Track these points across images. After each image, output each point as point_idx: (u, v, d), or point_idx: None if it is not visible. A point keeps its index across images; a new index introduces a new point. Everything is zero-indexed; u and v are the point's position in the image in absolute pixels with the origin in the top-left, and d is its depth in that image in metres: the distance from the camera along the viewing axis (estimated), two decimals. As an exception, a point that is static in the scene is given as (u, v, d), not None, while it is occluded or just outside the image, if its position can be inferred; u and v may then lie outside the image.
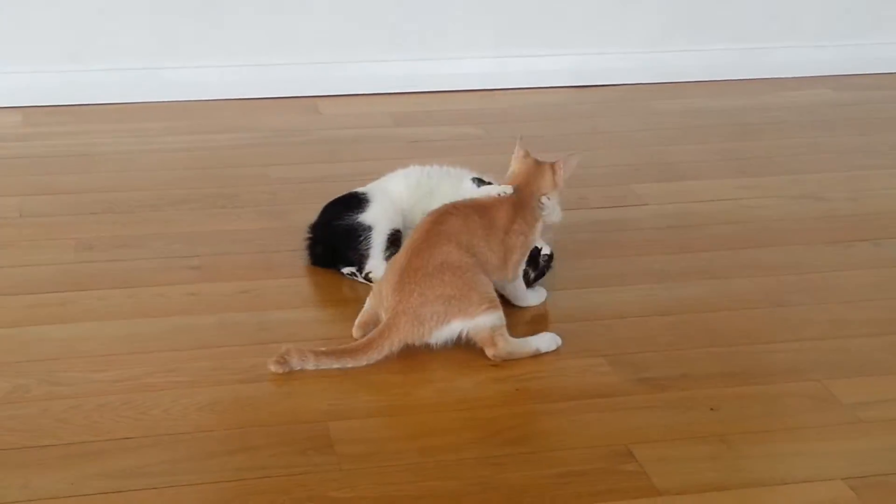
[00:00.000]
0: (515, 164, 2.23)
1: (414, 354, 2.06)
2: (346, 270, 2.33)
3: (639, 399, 1.92)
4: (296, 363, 1.99)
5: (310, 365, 2.00)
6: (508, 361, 2.02)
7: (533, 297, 2.25)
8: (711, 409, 1.89)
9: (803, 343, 2.11)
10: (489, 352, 2.05)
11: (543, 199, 2.18)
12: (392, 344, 2.01)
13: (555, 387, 1.97)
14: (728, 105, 3.55)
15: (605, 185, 2.83)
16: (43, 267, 2.38)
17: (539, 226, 2.20)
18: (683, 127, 3.35)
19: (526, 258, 2.21)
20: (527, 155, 2.22)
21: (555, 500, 1.67)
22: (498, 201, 2.17)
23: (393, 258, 2.14)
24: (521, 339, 2.08)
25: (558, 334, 2.12)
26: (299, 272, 2.38)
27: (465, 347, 2.06)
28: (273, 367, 1.98)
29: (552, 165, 2.19)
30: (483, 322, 2.03)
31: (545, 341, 2.09)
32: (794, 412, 1.90)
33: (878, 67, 3.85)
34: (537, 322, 2.21)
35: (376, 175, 2.52)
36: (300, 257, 2.41)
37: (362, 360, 2.01)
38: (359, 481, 1.70)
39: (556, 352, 2.08)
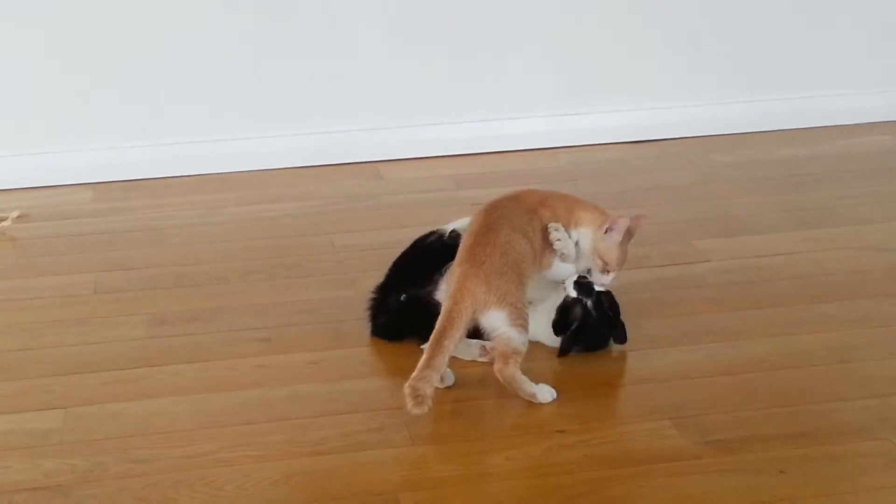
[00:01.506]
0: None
1: (483, 422, 2.08)
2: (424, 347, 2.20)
3: (707, 463, 1.91)
4: (428, 390, 2.01)
5: (435, 380, 2.04)
6: (577, 426, 2.03)
7: (544, 392, 2.14)
8: (781, 471, 1.88)
9: (871, 400, 2.08)
10: (498, 366, 2.10)
11: (550, 225, 2.22)
12: (468, 311, 2.05)
13: (622, 451, 1.97)
14: (786, 155, 3.54)
15: (666, 242, 2.82)
16: (117, 343, 2.42)
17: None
18: (742, 179, 3.34)
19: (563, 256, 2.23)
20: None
21: (626, 570, 1.67)
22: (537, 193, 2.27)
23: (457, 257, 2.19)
24: (526, 379, 2.10)
25: (623, 396, 2.14)
26: (366, 341, 2.40)
27: (532, 414, 2.07)
28: (416, 411, 2.00)
29: (607, 216, 2.25)
30: (513, 334, 2.09)
31: (543, 392, 2.11)
32: (866, 472, 1.88)
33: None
34: (601, 382, 2.21)
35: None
36: (367, 326, 2.43)
37: (454, 336, 2.04)
38: (431, 554, 1.72)
39: (621, 414, 2.10)
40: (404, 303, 2.36)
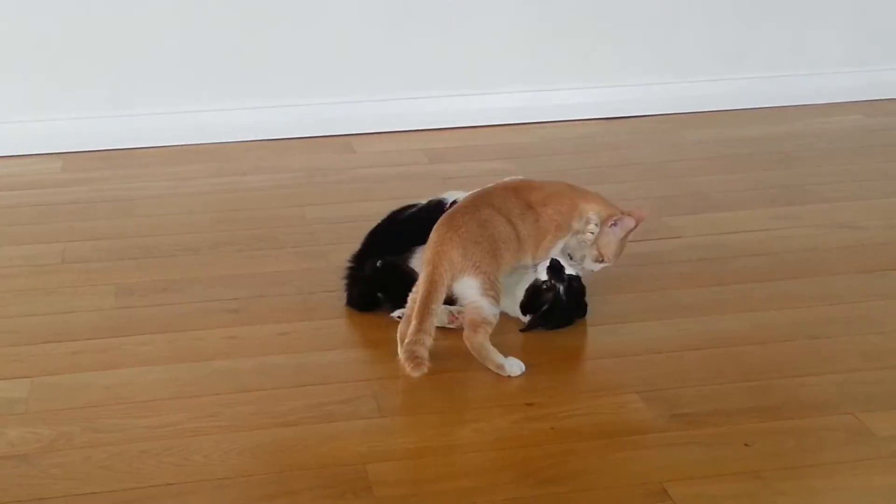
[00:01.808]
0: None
1: (452, 394, 2.09)
2: (396, 314, 2.28)
3: (673, 436, 1.92)
4: (423, 353, 2.05)
5: (429, 343, 2.06)
6: (545, 398, 2.04)
7: (512, 364, 2.14)
8: (746, 444, 1.89)
9: (837, 376, 2.10)
10: (467, 334, 2.12)
11: (592, 216, 2.25)
12: (445, 272, 2.09)
13: (589, 425, 1.97)
14: (759, 133, 3.56)
15: (639, 219, 2.84)
16: (84, 313, 2.41)
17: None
18: (714, 156, 3.35)
19: (557, 247, 2.25)
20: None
21: (591, 541, 1.68)
22: (538, 187, 2.25)
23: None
24: (495, 350, 2.11)
25: (592, 370, 2.15)
26: (337, 313, 2.40)
27: (500, 387, 2.08)
28: (416, 373, 2.04)
29: (614, 210, 2.28)
30: (484, 304, 2.11)
31: (511, 364, 2.11)
32: (829, 447, 1.89)
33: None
34: (571, 356, 2.22)
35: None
36: (338, 298, 2.44)
37: (439, 299, 2.08)
38: (397, 524, 1.72)
39: (589, 387, 2.10)
40: (379, 269, 2.36)
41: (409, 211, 2.49)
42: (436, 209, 2.36)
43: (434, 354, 2.16)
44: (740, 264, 2.59)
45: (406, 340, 2.06)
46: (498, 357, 2.12)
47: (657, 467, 1.84)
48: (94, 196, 3.12)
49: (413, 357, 2.05)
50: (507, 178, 2.35)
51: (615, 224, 2.25)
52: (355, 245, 2.51)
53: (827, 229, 2.78)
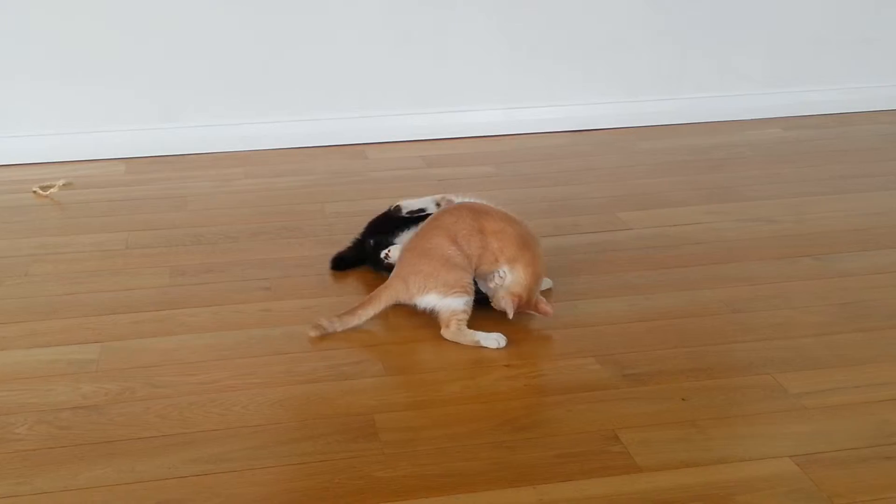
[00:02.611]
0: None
1: (443, 358, 2.09)
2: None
3: (623, 392, 1.93)
4: (327, 327, 2.12)
5: (338, 326, 2.13)
6: (519, 361, 2.04)
7: (489, 339, 2.12)
8: (683, 399, 1.90)
9: (757, 343, 2.10)
10: (442, 331, 2.12)
11: (501, 273, 2.15)
12: (387, 299, 2.13)
13: (555, 382, 1.98)
14: (697, 144, 3.55)
15: (596, 213, 2.83)
16: (144, 290, 2.41)
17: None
18: (660, 163, 3.35)
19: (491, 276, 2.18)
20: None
21: (555, 477, 1.68)
22: (495, 215, 2.18)
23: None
24: (471, 331, 2.11)
25: (557, 339, 2.15)
26: (351, 290, 2.40)
27: (483, 352, 2.08)
28: (312, 333, 2.11)
29: (523, 292, 2.14)
30: (449, 303, 2.10)
31: (488, 338, 2.10)
32: (751, 401, 1.90)
33: (819, 110, 3.84)
34: (540, 327, 2.22)
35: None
36: (352, 279, 2.44)
37: (369, 313, 2.13)
38: (398, 463, 1.72)
39: (555, 353, 2.10)
40: (372, 246, 2.40)
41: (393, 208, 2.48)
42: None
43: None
44: (680, 251, 2.59)
45: (326, 317, 2.13)
46: (472, 336, 2.10)
47: (610, 417, 1.85)
48: (152, 194, 3.11)
49: (317, 326, 2.13)
50: (468, 199, 2.28)
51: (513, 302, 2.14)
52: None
53: (750, 222, 2.78)
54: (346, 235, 2.70)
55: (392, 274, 2.19)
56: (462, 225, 2.16)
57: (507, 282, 2.14)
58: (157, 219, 2.89)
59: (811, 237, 2.66)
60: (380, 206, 2.78)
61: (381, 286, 2.17)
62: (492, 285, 2.17)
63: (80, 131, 3.41)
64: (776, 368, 1.99)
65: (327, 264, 2.52)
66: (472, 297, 2.14)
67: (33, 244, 2.70)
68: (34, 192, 3.10)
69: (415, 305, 2.16)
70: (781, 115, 3.79)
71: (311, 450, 1.77)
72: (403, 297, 2.15)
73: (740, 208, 2.89)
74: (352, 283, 2.43)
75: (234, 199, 3.06)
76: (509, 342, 2.11)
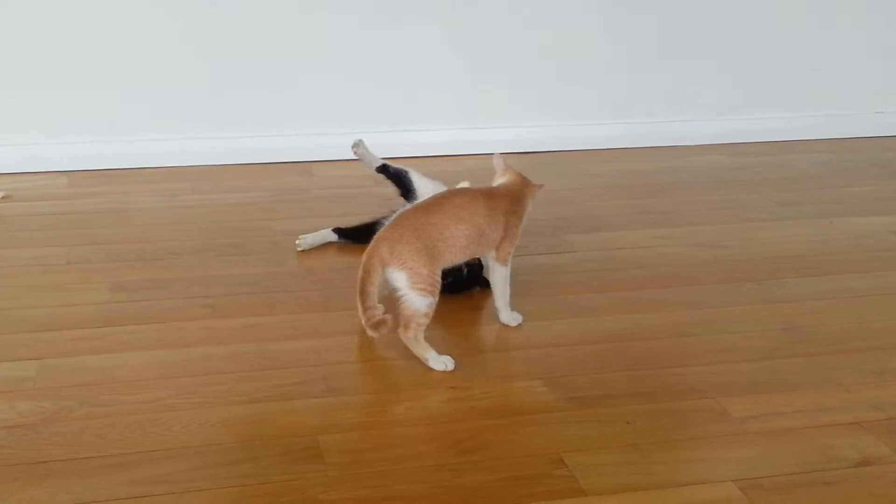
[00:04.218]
0: (507, 174, 2.31)
1: (388, 378, 2.07)
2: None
3: (569, 415, 1.92)
4: (375, 315, 2.04)
5: (377, 313, 2.04)
6: (465, 383, 2.03)
7: (510, 316, 2.26)
8: (628, 422, 1.90)
9: (702, 367, 2.11)
10: (400, 330, 2.09)
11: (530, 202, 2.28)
12: (375, 264, 2.05)
13: (501, 404, 1.97)
14: (642, 168, 3.58)
15: (543, 236, 2.83)
16: (84, 306, 2.36)
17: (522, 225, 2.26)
18: (606, 186, 3.37)
19: (515, 245, 2.25)
20: (509, 167, 2.31)
21: (500, 501, 1.67)
22: (499, 193, 2.23)
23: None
24: (426, 346, 2.09)
25: (504, 360, 2.14)
26: (297, 309, 2.36)
27: (429, 373, 2.07)
28: (376, 334, 2.05)
29: (536, 185, 2.31)
30: (413, 299, 2.06)
31: (437, 360, 2.08)
32: (695, 425, 1.90)
33: (762, 137, 3.91)
34: (486, 349, 2.21)
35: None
36: (298, 297, 2.41)
37: (373, 283, 2.04)
38: (341, 486, 1.69)
39: (502, 374, 2.09)
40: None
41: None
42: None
43: (374, 344, 2.16)
44: (626, 274, 2.60)
45: (363, 321, 2.05)
46: (426, 351, 2.09)
47: (556, 440, 1.84)
48: (95, 208, 3.05)
49: (374, 324, 2.04)
50: (463, 183, 2.37)
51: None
52: (313, 253, 2.56)
53: (694, 247, 2.81)
54: (292, 254, 2.68)
55: (380, 234, 2.10)
56: (477, 204, 2.16)
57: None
58: (100, 234, 2.83)
59: (754, 262, 2.68)
60: (325, 224, 2.77)
61: (366, 253, 2.07)
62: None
63: (21, 143, 3.34)
64: (719, 392, 2.00)
65: (272, 283, 2.50)
66: (436, 300, 2.09)
67: (-31, 257, 2.64)
68: (-28, 204, 3.03)
69: (383, 273, 2.07)
70: (724, 142, 3.84)
71: (254, 471, 1.73)
72: (384, 263, 2.06)
73: (685, 233, 2.91)
74: (296, 299, 2.40)
75: (179, 215, 3.01)
76: (456, 363, 2.09)
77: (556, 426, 1.89)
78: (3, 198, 3.07)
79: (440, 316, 2.19)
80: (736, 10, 3.78)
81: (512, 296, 2.29)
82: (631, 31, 3.71)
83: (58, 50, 3.29)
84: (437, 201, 2.19)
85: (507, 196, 2.25)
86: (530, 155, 3.66)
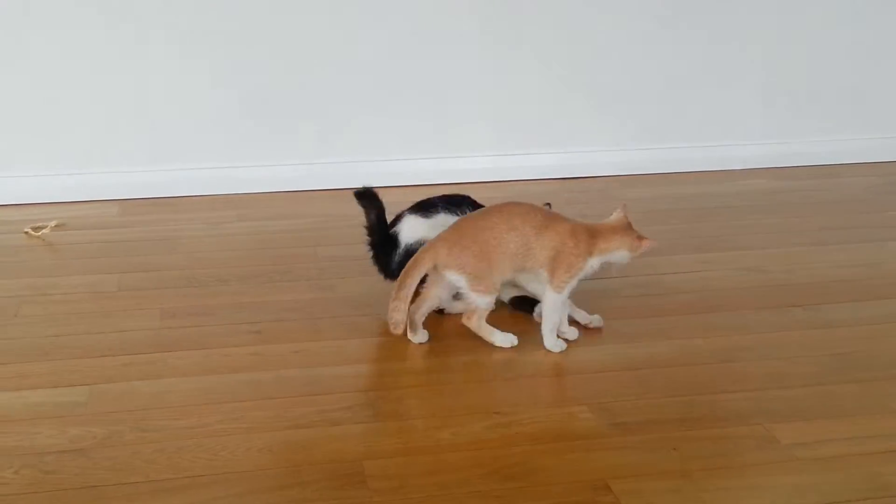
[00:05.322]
0: (615, 216, 2.31)
1: (434, 403, 2.06)
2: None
3: (614, 441, 1.90)
4: (398, 318, 2.19)
5: (403, 309, 2.18)
6: (509, 409, 2.02)
7: (554, 342, 2.26)
8: (674, 449, 1.87)
9: (749, 393, 2.08)
10: (464, 319, 2.24)
11: (614, 254, 2.25)
12: (428, 261, 2.17)
13: (547, 430, 1.95)
14: (686, 193, 3.55)
15: (587, 261, 2.82)
16: (135, 332, 2.38)
17: (593, 262, 2.25)
18: (651, 211, 3.34)
19: (574, 282, 2.24)
20: (625, 216, 2.30)
21: (547, 528, 1.66)
22: (567, 219, 2.25)
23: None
24: (489, 328, 2.23)
25: (548, 385, 2.13)
26: (342, 335, 2.37)
27: (474, 398, 2.06)
28: (394, 332, 2.20)
29: (639, 238, 2.26)
30: (474, 298, 2.19)
31: (502, 338, 2.23)
32: (742, 451, 1.87)
33: (807, 161, 3.86)
34: (532, 374, 2.20)
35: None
36: (344, 323, 2.42)
37: (415, 277, 2.17)
38: (387, 512, 1.69)
39: (546, 400, 2.08)
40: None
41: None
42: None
43: (417, 370, 2.16)
44: (671, 300, 2.58)
45: (388, 311, 2.19)
46: (490, 335, 2.23)
47: (601, 466, 1.82)
48: (145, 235, 3.09)
49: (391, 322, 2.18)
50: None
51: None
52: (358, 279, 2.55)
53: (739, 272, 2.77)
54: (339, 279, 2.69)
55: (440, 235, 2.21)
56: (531, 217, 2.22)
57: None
58: (149, 261, 2.86)
59: (800, 288, 2.65)
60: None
61: (422, 248, 2.21)
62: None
63: (74, 172, 3.39)
64: (767, 419, 1.97)
65: (318, 308, 2.51)
66: (495, 296, 2.22)
67: (23, 285, 2.68)
68: (26, 232, 3.08)
69: (440, 273, 2.19)
70: (769, 166, 3.80)
71: (299, 497, 1.73)
72: (439, 262, 2.18)
73: (730, 258, 2.88)
74: (342, 325, 2.40)
75: (227, 242, 3.04)
76: (500, 389, 2.09)
77: (602, 452, 1.87)
78: (55, 226, 3.12)
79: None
80: (778, 33, 3.75)
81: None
82: (668, 54, 3.69)
83: (109, 79, 3.34)
84: (496, 208, 2.25)
85: (578, 227, 2.24)
86: (572, 181, 3.65)
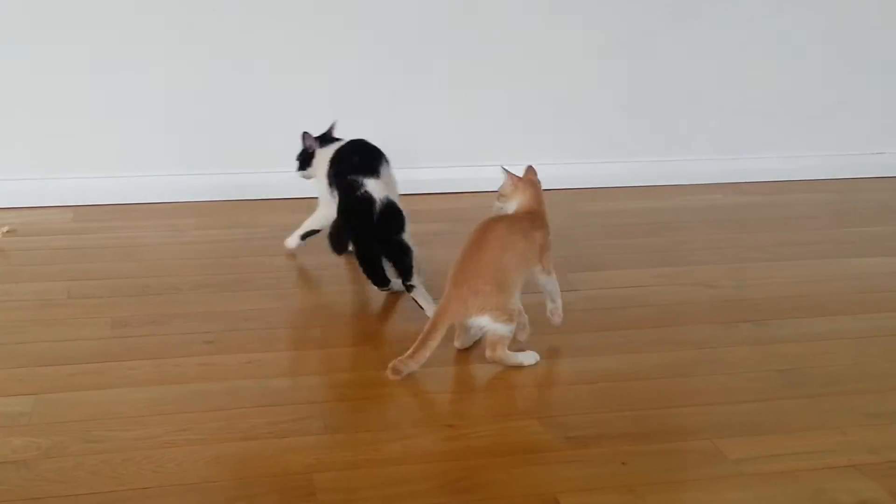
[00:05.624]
0: (518, 194, 2.36)
1: (386, 416, 2.05)
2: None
3: (565, 455, 1.89)
4: (404, 370, 2.11)
5: (413, 366, 2.11)
6: (461, 421, 2.00)
7: (528, 357, 2.26)
8: (623, 463, 1.87)
9: (698, 408, 2.08)
10: (487, 352, 2.21)
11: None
12: (448, 320, 2.15)
13: (497, 444, 1.94)
14: (643, 207, 3.57)
15: (543, 274, 2.82)
16: (84, 341, 2.34)
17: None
18: (606, 225, 3.36)
19: (551, 252, 2.36)
20: (517, 184, 2.36)
21: (494, 542, 1.64)
22: (520, 217, 2.33)
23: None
24: (512, 354, 2.21)
25: (500, 398, 2.12)
26: (297, 346, 2.35)
27: (426, 410, 2.04)
28: (391, 377, 2.11)
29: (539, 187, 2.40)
30: (498, 328, 2.18)
31: (527, 357, 2.23)
32: (690, 466, 1.87)
33: (761, 177, 3.90)
34: (483, 387, 2.19)
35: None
36: (298, 334, 2.39)
37: (436, 339, 2.13)
38: (335, 525, 1.67)
39: (498, 413, 2.06)
40: None
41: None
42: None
43: (370, 382, 2.14)
44: (624, 314, 2.58)
45: (399, 358, 2.12)
46: (515, 358, 2.22)
47: (551, 480, 1.81)
48: (99, 242, 3.05)
49: (395, 370, 2.11)
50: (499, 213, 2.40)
51: None
52: (314, 289, 2.54)
53: (692, 287, 2.79)
54: (294, 289, 2.67)
55: (449, 293, 2.18)
56: (515, 228, 2.27)
57: None
58: (103, 268, 2.82)
59: (751, 303, 2.66)
60: (327, 261, 2.75)
61: (439, 308, 2.17)
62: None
63: (27, 177, 3.35)
64: (715, 434, 1.96)
65: (272, 319, 2.48)
66: (517, 320, 2.21)
67: (-28, 291, 2.63)
68: (-23, 238, 3.03)
69: (461, 323, 2.20)
70: (723, 182, 3.83)
71: (247, 510, 1.70)
72: (461, 318, 2.18)
73: (682, 272, 2.89)
74: (297, 335, 2.38)
75: (183, 250, 3.01)
76: (452, 401, 2.09)
77: (552, 466, 1.86)
78: (7, 232, 3.07)
79: (435, 354, 2.17)
80: (736, 53, 3.79)
81: (520, 335, 2.29)
82: (627, 71, 3.71)
83: (65, 83, 3.30)
84: (479, 238, 2.24)
85: (527, 217, 2.33)
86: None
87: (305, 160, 2.92)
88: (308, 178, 2.93)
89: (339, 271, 2.79)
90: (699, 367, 2.28)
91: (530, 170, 2.43)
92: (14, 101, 3.28)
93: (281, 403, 2.06)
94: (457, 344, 2.30)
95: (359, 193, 2.57)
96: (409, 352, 2.13)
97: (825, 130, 3.96)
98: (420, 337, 2.15)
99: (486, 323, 2.18)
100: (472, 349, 2.31)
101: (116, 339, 2.36)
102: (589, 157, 3.78)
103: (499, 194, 2.40)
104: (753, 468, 1.85)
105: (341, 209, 2.61)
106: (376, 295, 2.63)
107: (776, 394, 2.15)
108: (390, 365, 2.12)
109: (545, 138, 3.72)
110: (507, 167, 2.41)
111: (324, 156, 2.82)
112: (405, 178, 3.56)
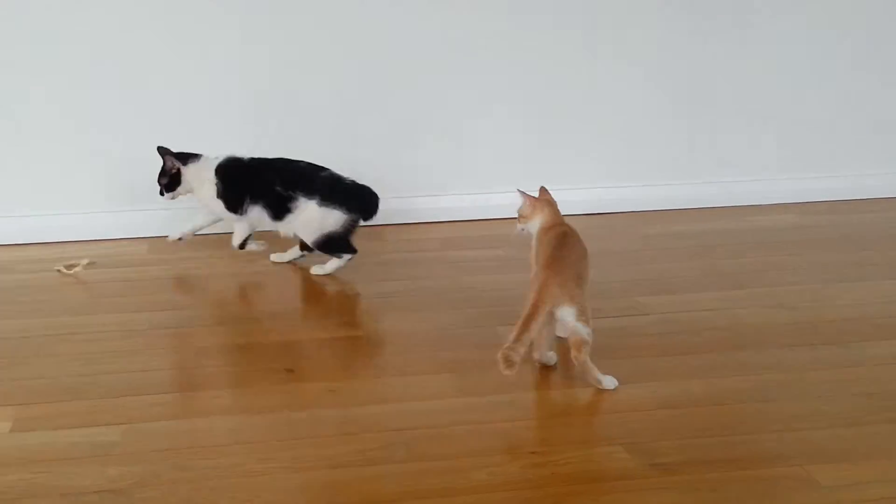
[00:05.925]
0: (542, 207, 2.42)
1: (470, 443, 2.03)
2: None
3: (652, 482, 1.87)
4: (516, 358, 2.08)
5: (522, 352, 2.09)
6: (546, 448, 1.99)
7: (609, 381, 2.25)
8: (713, 490, 1.83)
9: (785, 433, 2.04)
10: (573, 353, 2.20)
11: None
12: (546, 303, 2.15)
13: (583, 471, 1.92)
14: (711, 228, 3.53)
15: (614, 298, 2.78)
16: (168, 371, 2.37)
17: None
18: (674, 247, 3.32)
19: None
20: (538, 200, 2.41)
21: (589, 571, 1.62)
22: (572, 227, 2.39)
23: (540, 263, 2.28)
24: (594, 367, 2.21)
25: (584, 425, 2.11)
26: (378, 373, 2.35)
27: (509, 438, 2.03)
28: (507, 372, 2.07)
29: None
30: (579, 329, 2.18)
31: (608, 380, 2.22)
32: (782, 493, 1.83)
33: (833, 196, 3.84)
34: (566, 413, 2.17)
35: (424, 286, 2.62)
36: (378, 362, 2.40)
37: (537, 321, 2.13)
38: (427, 554, 1.66)
39: (582, 439, 2.05)
40: None
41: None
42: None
43: (456, 409, 2.13)
44: (700, 337, 2.54)
45: (505, 346, 2.09)
46: (596, 374, 2.21)
47: (640, 508, 1.78)
48: (175, 273, 3.09)
49: (507, 360, 2.07)
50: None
51: None
52: (391, 318, 2.54)
53: (768, 309, 2.74)
54: (370, 318, 2.67)
55: (548, 278, 2.18)
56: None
57: None
58: (180, 299, 2.86)
59: (831, 324, 2.61)
60: (396, 289, 2.75)
61: (536, 290, 2.17)
62: None
63: (104, 210, 3.40)
64: (807, 460, 1.92)
65: (351, 347, 2.49)
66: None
67: (57, 323, 2.67)
68: (58, 270, 3.08)
69: (553, 311, 2.18)
70: (796, 201, 3.78)
71: (338, 538, 1.71)
72: (558, 301, 2.17)
73: (757, 294, 2.85)
74: (375, 364, 2.38)
75: (257, 280, 3.03)
76: (535, 428, 2.07)
77: (640, 493, 1.83)
78: (87, 264, 3.12)
79: (515, 379, 2.16)
80: (803, 70, 3.75)
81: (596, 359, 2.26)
82: (692, 91, 3.69)
83: (133, 120, 3.35)
84: (566, 240, 2.31)
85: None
86: (596, 216, 3.64)
87: (172, 182, 3.02)
88: (174, 198, 3.05)
89: (408, 299, 2.79)
90: (783, 390, 2.24)
91: (543, 190, 2.47)
92: (92, 136, 3.34)
93: (366, 431, 2.06)
94: (536, 356, 2.29)
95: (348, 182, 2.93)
96: (512, 336, 2.11)
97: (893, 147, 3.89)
98: (520, 321, 2.13)
99: (571, 317, 2.18)
100: (552, 371, 2.29)
101: (198, 368, 2.38)
102: (654, 179, 3.76)
103: (519, 216, 2.43)
104: (849, 495, 1.81)
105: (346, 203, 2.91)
106: (453, 323, 2.62)
107: (866, 418, 2.10)
108: (500, 355, 2.08)
109: (608, 162, 3.70)
110: (522, 189, 2.44)
111: (195, 171, 3.01)
112: (469, 203, 3.59)
